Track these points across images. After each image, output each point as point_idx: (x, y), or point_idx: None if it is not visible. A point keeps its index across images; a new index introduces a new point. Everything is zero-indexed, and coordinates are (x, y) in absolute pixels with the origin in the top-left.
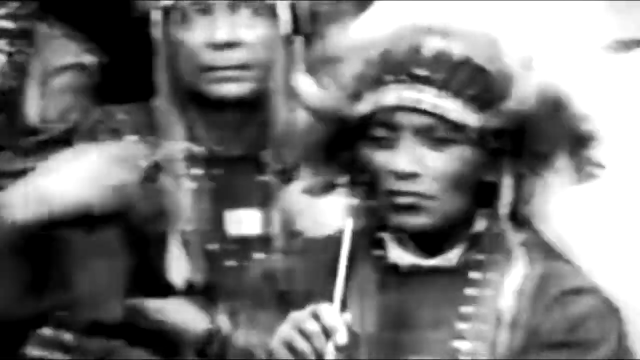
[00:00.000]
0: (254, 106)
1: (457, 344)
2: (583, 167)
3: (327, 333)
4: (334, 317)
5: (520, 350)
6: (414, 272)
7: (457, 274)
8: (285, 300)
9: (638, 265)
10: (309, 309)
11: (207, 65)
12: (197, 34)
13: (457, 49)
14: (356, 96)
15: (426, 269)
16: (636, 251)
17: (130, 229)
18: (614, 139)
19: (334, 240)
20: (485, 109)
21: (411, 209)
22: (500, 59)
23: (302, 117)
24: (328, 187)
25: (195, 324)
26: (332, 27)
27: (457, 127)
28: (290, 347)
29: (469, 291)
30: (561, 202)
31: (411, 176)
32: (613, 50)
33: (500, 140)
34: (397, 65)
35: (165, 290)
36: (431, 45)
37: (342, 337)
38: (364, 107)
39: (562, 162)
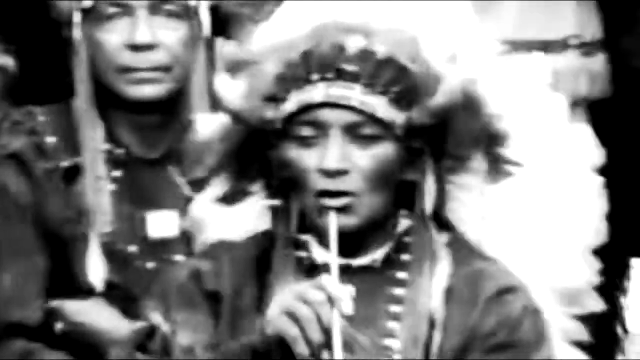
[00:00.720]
0: (173, 108)
1: (388, 342)
2: (498, 166)
3: (332, 302)
4: (338, 287)
5: (458, 350)
6: (340, 272)
7: (383, 274)
8: (214, 300)
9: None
10: (312, 281)
11: (126, 67)
12: (117, 35)
13: (379, 47)
14: (278, 97)
15: (352, 269)
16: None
17: (47, 230)
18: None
19: (252, 241)
20: (408, 107)
21: (341, 209)
22: (422, 57)
23: (215, 123)
24: (240, 195)
25: (115, 324)
26: (252, 29)
27: (383, 125)
28: (293, 316)
29: (396, 291)
30: (476, 203)
31: (341, 173)
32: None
33: (422, 138)
34: (323, 63)
35: (84, 291)
36: (354, 44)
37: (347, 306)
38: (289, 106)
39: (477, 162)
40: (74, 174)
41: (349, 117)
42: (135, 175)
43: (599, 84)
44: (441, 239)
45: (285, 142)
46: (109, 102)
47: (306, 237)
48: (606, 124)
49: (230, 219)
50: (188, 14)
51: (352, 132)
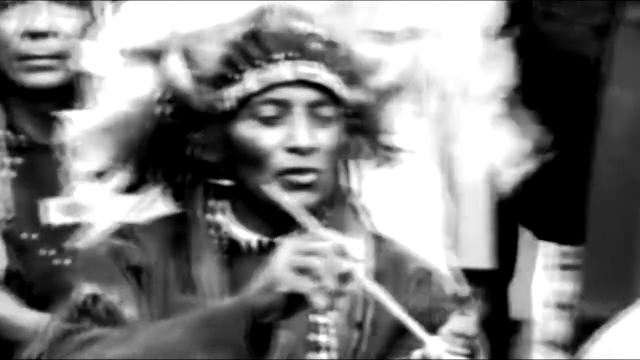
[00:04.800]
0: (71, 95)
1: (321, 319)
2: (388, 153)
3: (340, 249)
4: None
5: (392, 328)
6: (260, 251)
7: None
8: (139, 274)
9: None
10: (309, 235)
11: (22, 54)
12: (13, 22)
13: (325, 29)
14: (229, 77)
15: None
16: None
17: None
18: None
19: (161, 223)
20: (356, 87)
21: (306, 186)
22: (361, 38)
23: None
24: (141, 185)
25: (19, 313)
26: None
27: (337, 104)
28: (305, 270)
29: None
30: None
31: (311, 151)
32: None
33: (361, 120)
34: (283, 42)
35: None
36: (302, 25)
37: (357, 251)
38: (251, 85)
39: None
40: None
41: (313, 95)
42: (35, 163)
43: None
44: (362, 220)
45: (238, 122)
46: (7, 89)
47: (222, 219)
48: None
49: (126, 205)
50: (84, 2)
51: (312, 111)
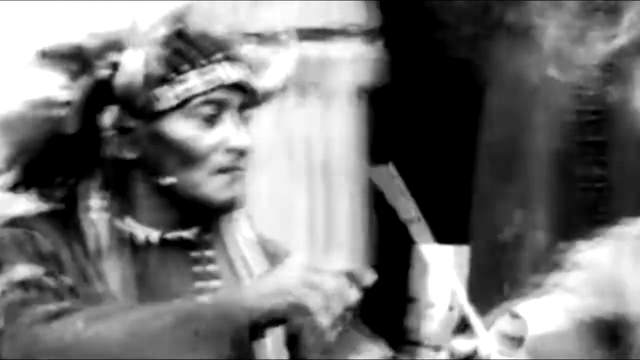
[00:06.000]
0: None
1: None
2: None
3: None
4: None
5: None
6: (160, 245)
7: (194, 250)
8: (46, 261)
9: None
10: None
11: None
12: None
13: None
14: (167, 78)
15: (170, 243)
16: None
17: None
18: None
19: (44, 217)
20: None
21: (238, 185)
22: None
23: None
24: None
25: None
26: None
27: (252, 106)
28: (319, 290)
29: (208, 267)
30: None
31: (248, 152)
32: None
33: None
34: (217, 44)
35: None
36: (218, 27)
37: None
38: (195, 85)
39: None
40: None
41: (241, 97)
42: None
43: (378, 71)
44: (237, 215)
45: (171, 121)
46: None
47: (129, 220)
48: (386, 111)
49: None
50: None
51: (240, 112)
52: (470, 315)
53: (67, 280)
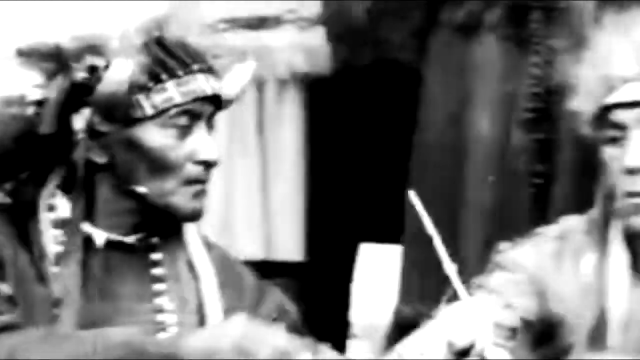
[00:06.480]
0: None
1: (161, 317)
2: None
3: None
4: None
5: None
6: (113, 248)
7: (143, 253)
8: None
9: None
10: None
11: None
12: None
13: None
14: (147, 86)
15: (123, 247)
16: None
17: None
18: None
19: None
20: None
21: (203, 197)
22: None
23: None
24: None
25: None
26: None
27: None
28: (246, 354)
29: (156, 270)
30: None
31: (216, 164)
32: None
33: None
34: (194, 55)
35: None
36: (188, 39)
37: None
38: (174, 95)
39: None
40: None
41: (213, 108)
42: None
43: (316, 59)
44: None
45: (146, 129)
46: None
47: (87, 223)
48: (324, 100)
49: None
50: None
51: (209, 123)
52: (459, 288)
53: (5, 288)
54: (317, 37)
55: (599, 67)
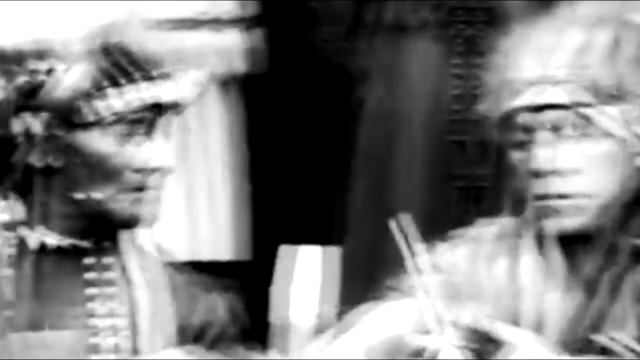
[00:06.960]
0: None
1: (94, 321)
2: None
3: None
4: None
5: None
6: (50, 252)
7: (92, 257)
8: None
9: None
10: None
11: None
12: None
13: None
14: (99, 90)
15: (68, 250)
16: None
17: None
18: None
19: None
20: None
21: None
22: None
23: None
24: None
25: None
26: None
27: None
28: None
29: (105, 275)
30: None
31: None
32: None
33: None
34: (150, 60)
35: None
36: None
37: None
38: (132, 101)
39: None
40: None
41: (160, 115)
42: None
43: (253, 59)
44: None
45: (91, 134)
46: None
47: (29, 227)
48: (261, 100)
49: None
50: None
51: (154, 129)
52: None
53: None
54: (255, 38)
55: (504, 71)
